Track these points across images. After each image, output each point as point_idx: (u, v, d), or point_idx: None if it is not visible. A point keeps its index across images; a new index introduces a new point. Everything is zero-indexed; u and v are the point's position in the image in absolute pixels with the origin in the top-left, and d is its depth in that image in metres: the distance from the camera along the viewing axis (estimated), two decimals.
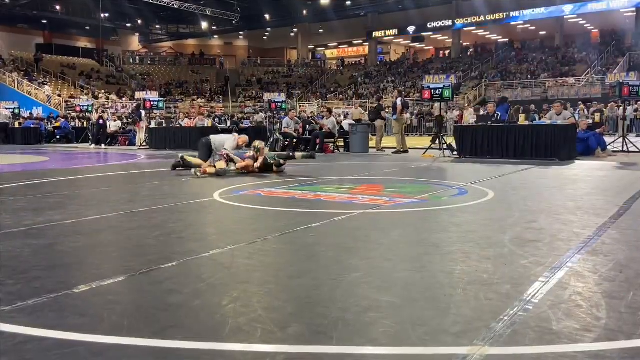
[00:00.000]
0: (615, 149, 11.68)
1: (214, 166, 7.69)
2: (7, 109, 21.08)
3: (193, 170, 7.75)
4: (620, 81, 11.90)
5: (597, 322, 2.04)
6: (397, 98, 13.28)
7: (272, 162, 7.86)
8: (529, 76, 30.65)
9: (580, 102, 21.18)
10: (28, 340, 1.90)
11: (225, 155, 7.78)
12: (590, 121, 13.88)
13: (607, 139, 12.22)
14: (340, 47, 49.08)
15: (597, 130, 11.92)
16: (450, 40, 39.28)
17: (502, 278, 2.58)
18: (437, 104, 16.03)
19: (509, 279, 2.58)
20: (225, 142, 8.00)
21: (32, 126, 20.76)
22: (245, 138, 8.26)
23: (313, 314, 2.14)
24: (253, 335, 1.92)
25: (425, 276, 2.67)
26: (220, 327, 2.00)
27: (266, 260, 3.05)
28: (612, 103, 19.44)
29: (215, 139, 8.18)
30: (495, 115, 11.31)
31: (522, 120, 11.02)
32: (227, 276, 2.70)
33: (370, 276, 2.66)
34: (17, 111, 21.71)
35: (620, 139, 12.33)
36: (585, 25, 35.35)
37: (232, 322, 2.04)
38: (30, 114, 24.03)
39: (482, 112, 13.84)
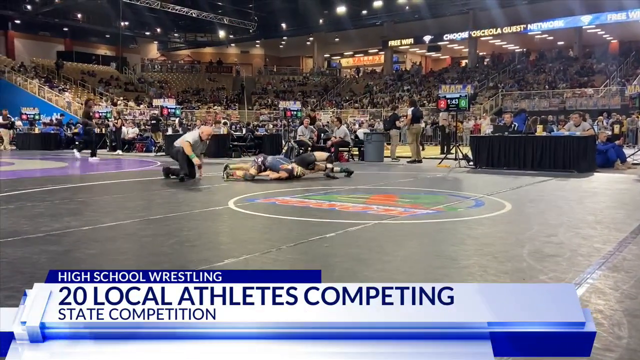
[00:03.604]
0: (635, 162, 11.48)
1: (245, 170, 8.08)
2: (27, 114, 21.58)
3: (242, 173, 8.00)
4: None
5: (619, 341, 1.98)
6: (409, 108, 13.25)
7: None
8: (546, 86, 30.37)
9: (604, 114, 20.91)
10: None
11: (260, 162, 8.08)
12: (610, 132, 13.68)
13: (627, 151, 12.03)
14: (356, 56, 49.22)
15: (616, 142, 11.75)
16: (467, 49, 39.14)
17: None
18: (441, 114, 16.00)
19: None
20: (186, 135, 8.20)
21: (52, 132, 21.13)
22: (209, 130, 8.41)
23: None
24: None
25: None
26: None
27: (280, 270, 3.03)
28: (633, 115, 19.16)
29: (178, 141, 8.22)
30: (513, 125, 11.20)
31: (539, 131, 10.90)
32: None
33: None
34: (37, 117, 22.14)
35: None
36: (604, 36, 34.97)
37: None
38: (51, 119, 24.46)
39: (497, 122, 13.75)
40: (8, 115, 20.55)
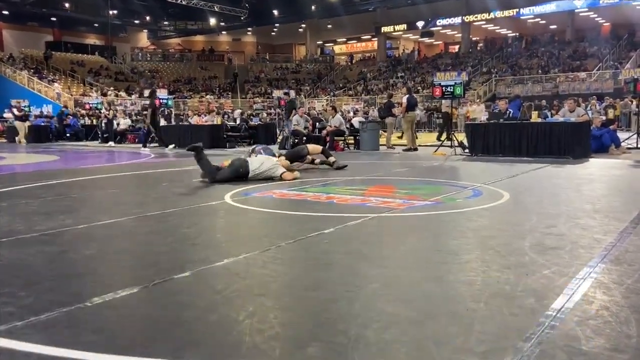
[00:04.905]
0: (629, 146, 11.51)
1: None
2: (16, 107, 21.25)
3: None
4: (635, 77, 11.70)
5: (629, 340, 1.95)
6: (404, 95, 13.16)
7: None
8: (539, 71, 30.31)
9: (594, 97, 20.90)
10: None
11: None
12: (604, 118, 13.68)
13: (621, 135, 12.05)
14: (349, 42, 48.88)
15: (610, 127, 11.76)
16: (460, 35, 38.94)
17: (525, 290, 2.50)
18: (444, 101, 15.90)
19: (532, 291, 2.50)
20: (269, 168, 6.86)
21: (42, 124, 20.87)
22: (287, 163, 7.35)
23: (332, 331, 2.07)
24: (271, 355, 1.86)
25: (445, 287, 2.60)
26: (237, 346, 1.94)
27: (280, 269, 2.99)
28: (626, 99, 19.18)
29: (253, 162, 6.90)
30: (507, 112, 11.17)
31: (534, 117, 10.88)
32: (242, 288, 2.64)
33: (388, 287, 2.60)
34: (27, 109, 21.85)
35: (635, 136, 12.16)
36: (597, 19, 34.86)
37: (249, 340, 1.98)
38: (41, 111, 24.17)
39: (492, 109, 13.71)
40: (22, 107, 20.14)
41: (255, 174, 6.76)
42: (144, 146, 14.86)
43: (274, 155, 7.59)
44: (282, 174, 6.89)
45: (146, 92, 19.79)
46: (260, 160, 6.91)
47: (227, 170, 6.81)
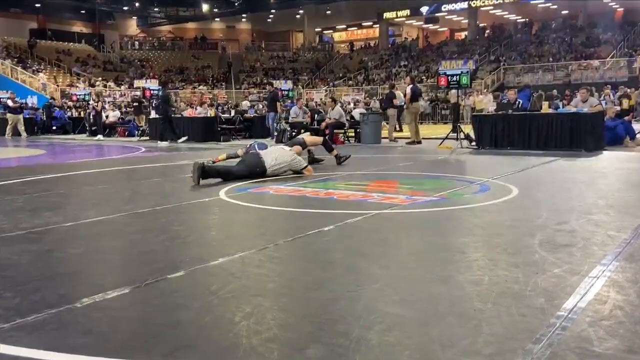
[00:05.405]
0: None
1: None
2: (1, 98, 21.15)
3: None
4: None
5: None
6: (408, 85, 13.13)
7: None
8: (550, 59, 30.24)
9: (608, 86, 20.78)
10: None
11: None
12: (618, 108, 13.66)
13: (636, 127, 12.03)
14: (349, 29, 48.74)
15: (625, 118, 11.74)
16: (466, 21, 38.83)
17: (535, 289, 2.51)
18: (453, 91, 15.87)
19: (542, 290, 2.51)
20: (289, 161, 6.82)
21: (27, 116, 20.82)
22: (299, 149, 7.33)
23: (332, 333, 2.08)
24: (269, 358, 1.87)
25: (451, 287, 2.61)
26: (233, 349, 1.95)
27: (278, 268, 3.00)
28: None
29: (267, 156, 6.75)
30: (517, 102, 11.15)
31: (545, 107, 10.87)
32: (238, 288, 2.65)
33: (391, 287, 2.60)
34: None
35: None
36: (611, 4, 34.76)
37: (246, 342, 1.99)
38: (25, 103, 24.10)
39: (501, 99, 13.70)
40: (16, 99, 19.92)
41: (273, 171, 6.62)
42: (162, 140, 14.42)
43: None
44: (303, 167, 6.87)
45: (140, 83, 19.65)
46: (273, 155, 6.75)
47: (242, 167, 6.64)
